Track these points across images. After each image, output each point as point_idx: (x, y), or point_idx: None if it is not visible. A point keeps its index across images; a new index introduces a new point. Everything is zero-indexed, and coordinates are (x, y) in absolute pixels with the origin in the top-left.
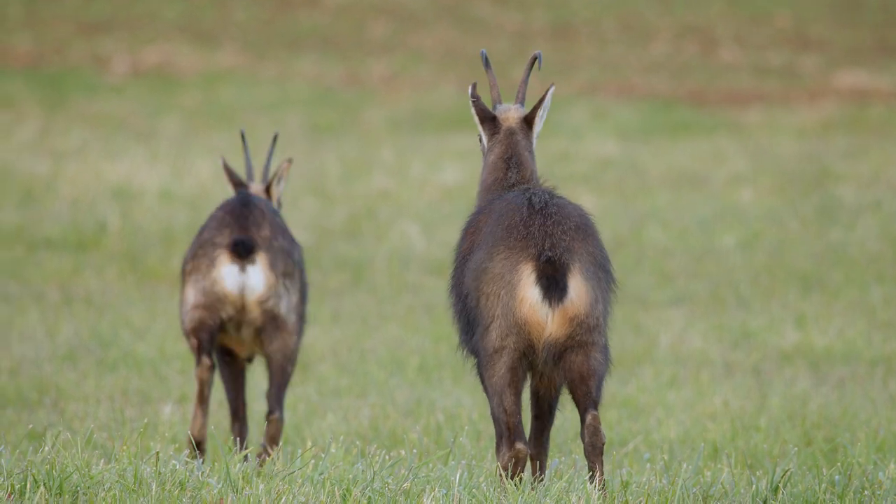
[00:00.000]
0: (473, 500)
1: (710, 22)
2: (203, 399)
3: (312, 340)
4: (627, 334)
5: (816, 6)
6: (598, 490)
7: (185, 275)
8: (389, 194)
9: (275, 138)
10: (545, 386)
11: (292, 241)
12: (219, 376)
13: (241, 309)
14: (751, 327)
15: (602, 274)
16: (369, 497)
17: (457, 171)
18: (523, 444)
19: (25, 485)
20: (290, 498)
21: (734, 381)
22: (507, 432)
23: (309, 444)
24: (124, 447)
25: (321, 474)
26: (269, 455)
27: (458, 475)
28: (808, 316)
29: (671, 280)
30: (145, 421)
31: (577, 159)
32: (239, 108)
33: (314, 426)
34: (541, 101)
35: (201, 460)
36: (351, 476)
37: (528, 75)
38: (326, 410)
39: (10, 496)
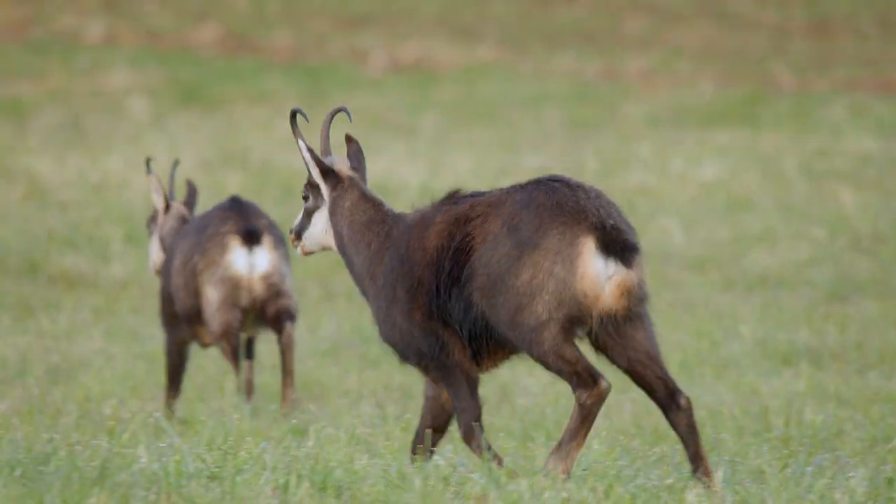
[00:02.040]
0: (737, 496)
1: None
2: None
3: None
4: (890, 330)
5: None
6: (864, 484)
7: (198, 275)
8: (648, 190)
9: (175, 164)
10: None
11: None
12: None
13: (250, 289)
14: None
15: None
16: (632, 493)
17: (717, 166)
18: (605, 380)
19: (290, 480)
20: (553, 494)
21: None
22: (584, 375)
23: None
24: (387, 442)
25: (584, 470)
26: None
27: (720, 472)
28: None
29: None
30: (407, 416)
31: (835, 155)
32: (497, 104)
33: None
34: (356, 151)
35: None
36: (614, 472)
37: (328, 129)
38: None
39: (274, 491)
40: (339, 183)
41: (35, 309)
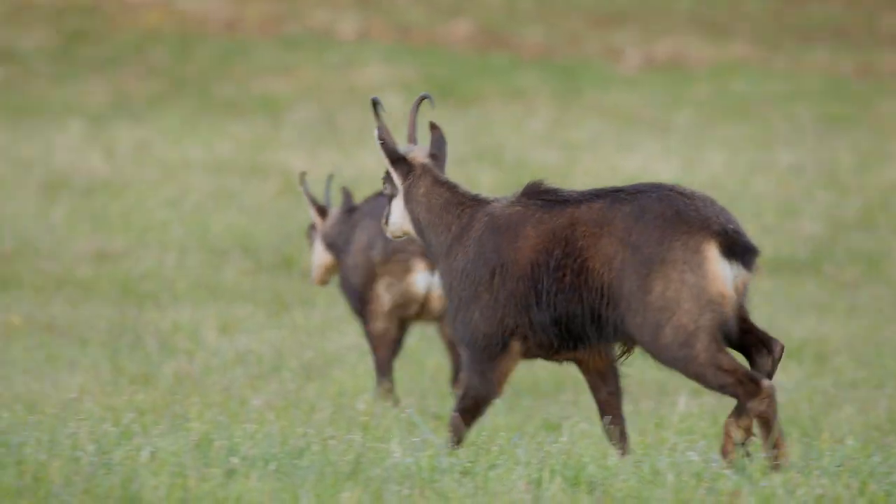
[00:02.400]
0: None
1: None
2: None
3: (828, 332)
4: None
5: None
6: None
7: (375, 276)
8: None
9: (329, 178)
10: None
11: None
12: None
13: (424, 306)
14: None
15: None
16: (887, 490)
17: None
18: (764, 378)
19: (542, 475)
20: (807, 490)
21: None
22: (747, 382)
23: (825, 435)
24: (641, 438)
25: (838, 466)
26: None
27: None
28: None
29: None
30: (661, 412)
31: None
32: (750, 100)
33: (831, 417)
34: (438, 138)
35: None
36: (868, 469)
37: (415, 116)
38: (843, 402)
39: (527, 486)
40: (410, 171)
41: (289, 304)
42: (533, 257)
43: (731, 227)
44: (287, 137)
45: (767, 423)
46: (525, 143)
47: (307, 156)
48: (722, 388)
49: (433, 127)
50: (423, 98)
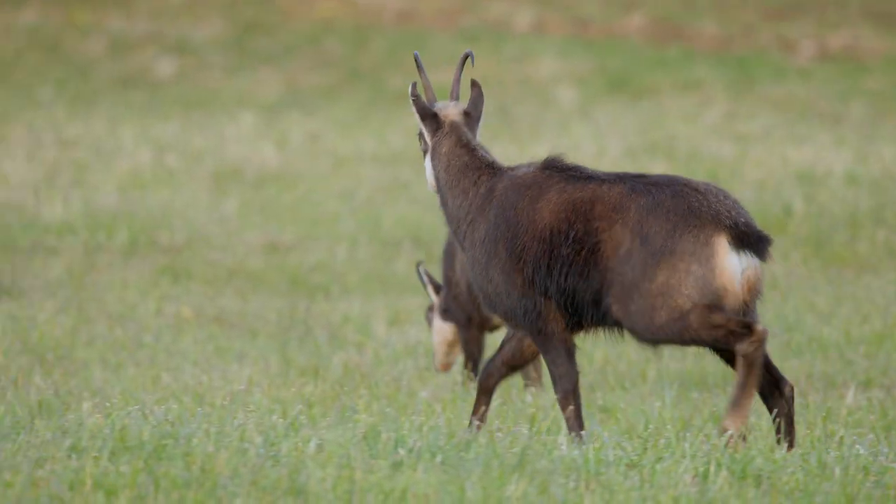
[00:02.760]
0: None
1: None
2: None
3: None
4: None
5: None
6: None
7: None
8: None
9: (418, 265)
10: None
11: None
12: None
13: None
14: None
15: None
16: None
17: None
18: (759, 324)
19: (709, 468)
20: None
21: None
22: (738, 329)
23: None
24: (807, 432)
25: None
26: None
27: None
28: None
29: None
30: (828, 405)
31: None
32: None
33: None
34: (477, 95)
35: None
36: None
37: (460, 73)
38: None
39: (693, 479)
40: (439, 128)
41: None
42: (550, 222)
43: (742, 220)
44: None
45: (751, 366)
46: (698, 135)
47: None
48: (717, 343)
49: (473, 84)
50: (467, 56)
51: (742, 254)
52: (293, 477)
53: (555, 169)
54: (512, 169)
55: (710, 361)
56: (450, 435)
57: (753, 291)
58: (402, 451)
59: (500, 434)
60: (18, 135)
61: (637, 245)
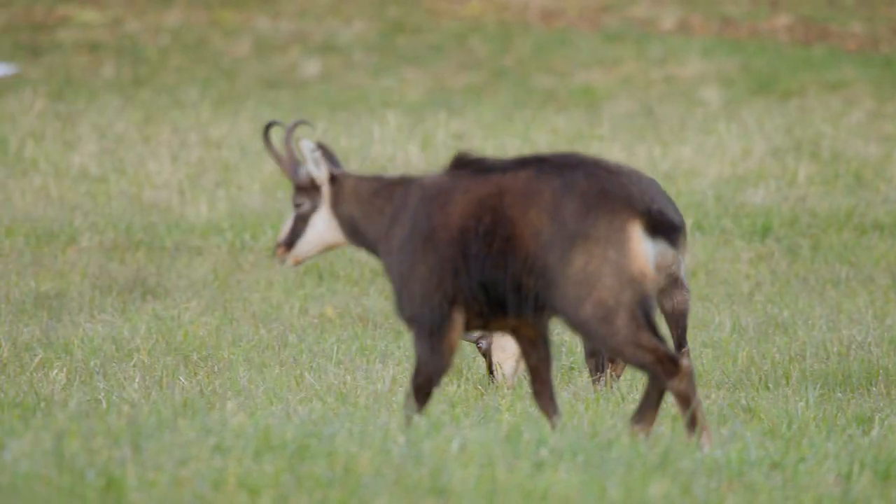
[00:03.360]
0: None
1: None
2: None
3: None
4: None
5: None
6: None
7: None
8: None
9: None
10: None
11: None
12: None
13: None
14: None
15: None
16: None
17: None
18: (683, 357)
19: (852, 469)
20: None
21: None
22: (667, 362)
23: None
24: None
25: None
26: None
27: None
28: None
29: None
30: None
31: None
32: None
33: None
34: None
35: None
36: None
37: (291, 140)
38: None
39: (836, 479)
40: (334, 179)
41: None
42: (462, 223)
43: (656, 206)
44: (605, 129)
45: (687, 401)
46: (843, 136)
47: (624, 149)
48: (642, 366)
49: (320, 146)
50: (297, 124)
51: (656, 240)
52: (435, 476)
53: (461, 168)
54: (422, 178)
55: (853, 361)
56: (592, 434)
57: (666, 272)
58: (544, 451)
59: (642, 434)
60: (164, 135)
61: (555, 229)
